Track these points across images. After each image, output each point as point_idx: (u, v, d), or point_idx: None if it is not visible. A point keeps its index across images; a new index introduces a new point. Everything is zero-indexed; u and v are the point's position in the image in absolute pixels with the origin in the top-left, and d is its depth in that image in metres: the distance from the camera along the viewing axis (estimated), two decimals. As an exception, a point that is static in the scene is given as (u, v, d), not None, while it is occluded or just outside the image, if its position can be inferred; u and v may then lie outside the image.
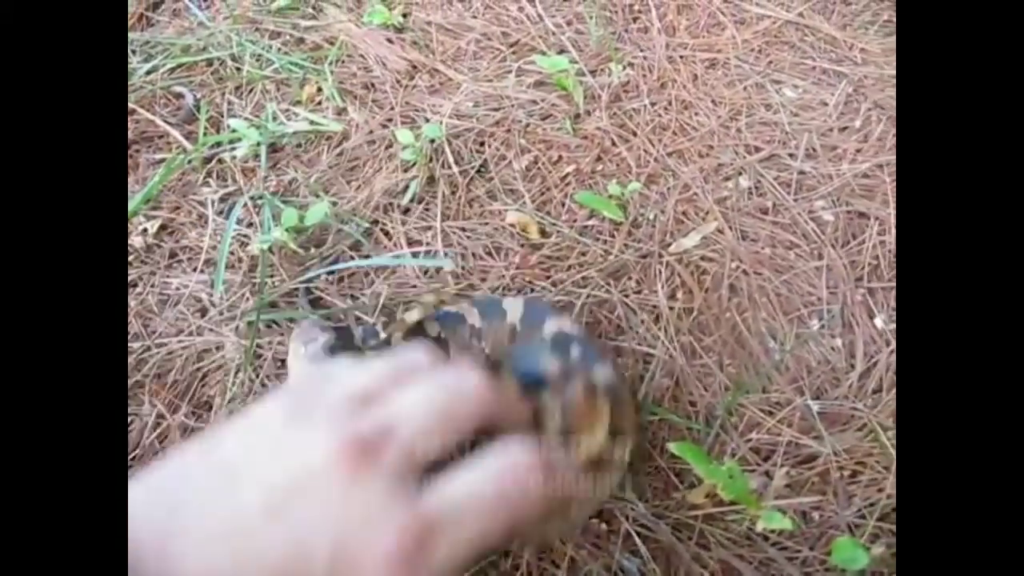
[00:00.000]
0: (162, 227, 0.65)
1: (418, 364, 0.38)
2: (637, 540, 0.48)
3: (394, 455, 0.33)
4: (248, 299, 0.59)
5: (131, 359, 0.57)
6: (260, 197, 0.65)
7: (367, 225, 0.63)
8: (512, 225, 0.62)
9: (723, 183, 0.67)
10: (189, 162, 0.69)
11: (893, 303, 0.58)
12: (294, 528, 0.31)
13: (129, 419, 0.54)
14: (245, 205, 0.64)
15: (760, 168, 0.67)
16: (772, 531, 0.48)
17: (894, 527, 0.48)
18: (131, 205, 0.65)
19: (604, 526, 0.48)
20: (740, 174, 0.67)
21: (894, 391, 0.54)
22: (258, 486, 0.32)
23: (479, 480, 0.34)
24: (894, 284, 0.59)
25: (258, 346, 0.56)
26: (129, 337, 0.58)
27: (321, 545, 0.31)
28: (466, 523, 0.33)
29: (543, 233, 0.62)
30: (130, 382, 0.56)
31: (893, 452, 0.51)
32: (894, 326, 0.57)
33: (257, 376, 0.55)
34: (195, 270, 0.62)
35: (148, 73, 0.77)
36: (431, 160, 0.66)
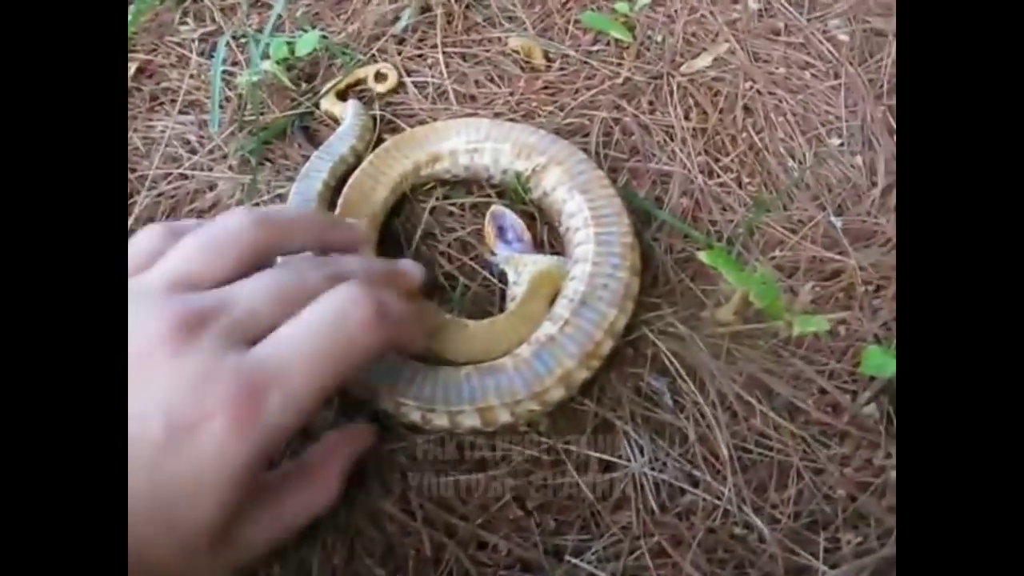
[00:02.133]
0: (139, 70, 0.61)
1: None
2: (666, 360, 0.47)
3: (221, 326, 0.32)
4: (237, 136, 0.56)
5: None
6: (243, 36, 0.61)
7: (361, 57, 0.59)
8: (515, 51, 0.59)
9: (732, 5, 0.63)
10: (162, 2, 0.65)
11: (916, 116, 0.56)
12: (129, 407, 0.30)
13: (124, 263, 0.52)
14: (228, 44, 0.60)
15: (770, -12, 0.64)
16: (799, 345, 0.47)
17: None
18: (104, 49, 0.61)
19: (631, 349, 0.47)
20: (749, -6, 0.64)
21: (919, 204, 0.52)
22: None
23: (306, 325, 0.34)
24: (916, 97, 0.57)
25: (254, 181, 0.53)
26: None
27: (153, 416, 0.30)
28: (297, 369, 0.33)
29: (547, 58, 0.59)
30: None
31: (921, 263, 0.49)
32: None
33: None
34: (179, 112, 0.58)
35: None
36: (424, -13, 0.62)
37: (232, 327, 0.33)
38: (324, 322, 0.34)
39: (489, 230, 0.49)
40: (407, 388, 0.42)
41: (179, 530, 0.31)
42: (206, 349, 0.31)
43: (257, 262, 0.37)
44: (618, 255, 0.46)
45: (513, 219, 0.50)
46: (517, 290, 0.47)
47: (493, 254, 0.49)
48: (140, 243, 0.37)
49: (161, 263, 0.35)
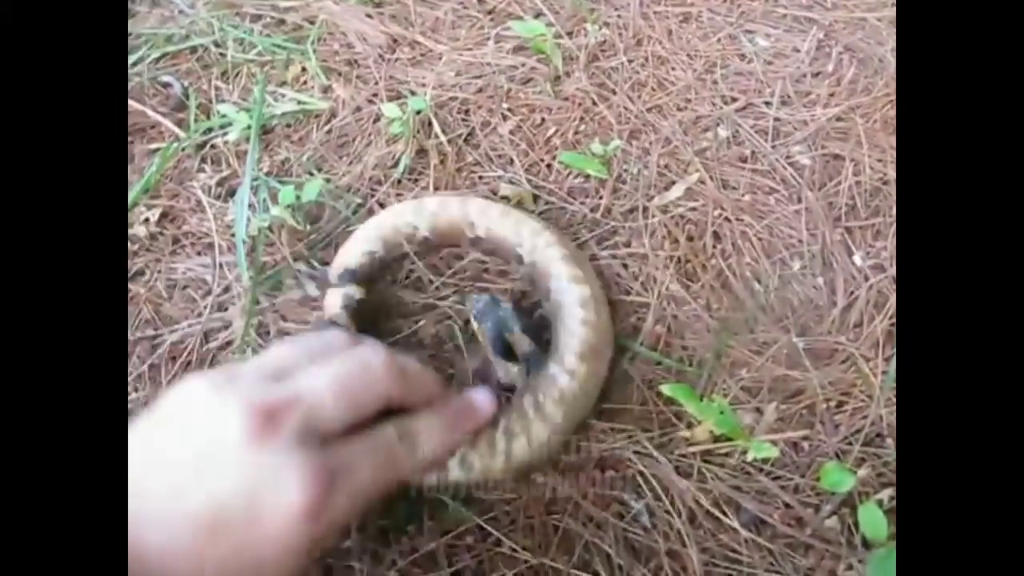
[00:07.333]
0: (163, 215, 0.67)
1: (331, 343, 0.45)
2: (640, 481, 0.51)
3: (297, 421, 0.38)
4: (253, 277, 0.61)
5: (146, 345, 0.59)
6: (255, 179, 0.67)
7: (359, 201, 0.65)
8: (506, 198, 0.64)
9: (702, 135, 0.69)
10: (183, 149, 0.71)
11: (870, 240, 0.61)
12: (214, 490, 0.36)
13: (149, 402, 0.57)
14: (242, 187, 0.66)
15: (737, 118, 0.70)
16: (764, 462, 0.51)
17: (877, 451, 0.51)
18: (130, 196, 0.67)
19: (611, 472, 0.51)
20: (718, 125, 0.69)
21: (874, 323, 0.56)
22: (187, 452, 0.37)
23: (375, 446, 0.42)
24: (870, 223, 0.62)
25: (264, 322, 0.59)
26: (142, 323, 0.60)
27: (237, 503, 0.36)
28: (362, 478, 0.40)
29: (535, 199, 0.65)
30: (145, 366, 0.58)
31: (875, 381, 0.54)
32: (871, 263, 0.60)
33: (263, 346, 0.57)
34: (199, 254, 0.64)
35: (134, 64, 0.78)
36: (418, 131, 0.68)
37: (306, 423, 0.38)
38: (393, 447, 0.42)
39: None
40: None
41: None
42: (283, 445, 0.37)
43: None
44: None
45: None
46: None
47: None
48: (278, 354, 0.43)
49: (292, 383, 0.41)
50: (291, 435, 0.38)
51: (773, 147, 0.67)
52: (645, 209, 0.63)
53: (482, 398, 0.48)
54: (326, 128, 0.72)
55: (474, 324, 0.54)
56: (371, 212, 0.64)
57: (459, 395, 0.48)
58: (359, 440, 0.41)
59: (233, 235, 0.64)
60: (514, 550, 0.48)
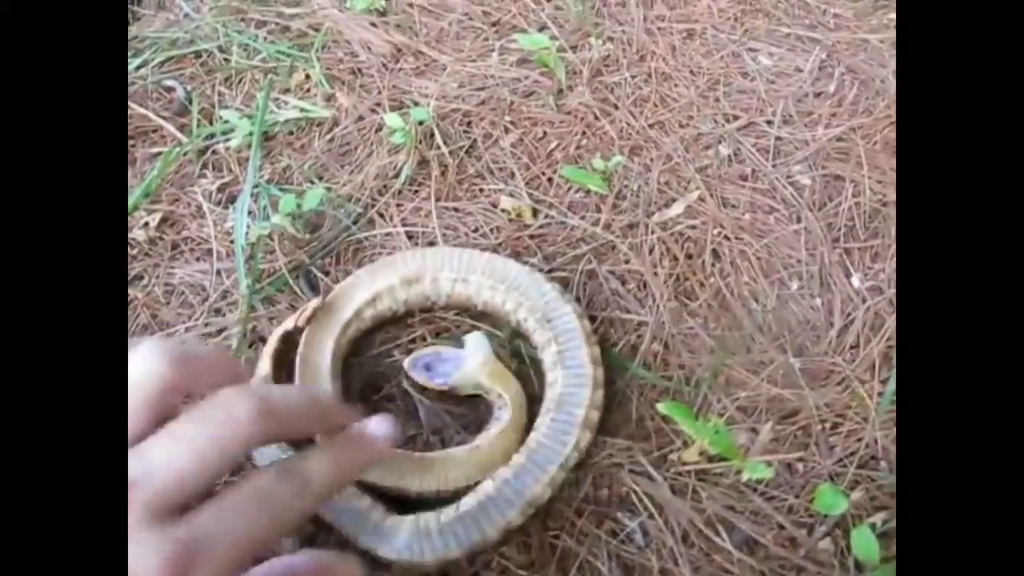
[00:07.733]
0: (163, 220, 0.67)
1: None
2: (635, 499, 0.51)
3: (144, 500, 0.33)
4: (250, 285, 0.61)
5: (142, 348, 0.59)
6: (256, 186, 0.67)
7: (359, 210, 0.65)
8: (505, 211, 0.65)
9: (703, 152, 0.69)
10: (185, 154, 0.71)
11: (868, 262, 0.61)
12: None
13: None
14: (243, 193, 0.66)
15: (739, 136, 0.70)
16: (759, 482, 0.51)
17: (871, 473, 0.51)
18: (131, 200, 0.67)
19: (605, 490, 0.51)
20: (720, 142, 0.69)
21: (871, 345, 0.57)
22: None
23: (240, 492, 0.36)
24: (869, 244, 0.62)
25: (257, 328, 0.59)
26: (139, 328, 0.60)
27: None
28: (223, 545, 0.35)
29: (535, 213, 0.65)
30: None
31: (870, 404, 0.54)
32: (869, 284, 0.60)
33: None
34: (198, 260, 0.64)
35: (138, 68, 0.79)
36: (421, 142, 0.68)
37: (156, 500, 0.34)
38: (271, 490, 0.37)
39: (418, 379, 0.54)
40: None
41: None
42: (132, 528, 0.33)
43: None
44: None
45: (432, 354, 0.55)
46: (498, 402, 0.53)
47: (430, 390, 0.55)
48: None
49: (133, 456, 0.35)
50: (139, 516, 0.33)
51: (774, 166, 0.68)
52: (645, 225, 0.63)
53: (378, 425, 0.42)
54: (328, 136, 0.72)
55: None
56: (371, 222, 0.65)
57: (356, 424, 0.42)
58: (225, 496, 0.36)
59: (232, 242, 0.64)
60: (505, 566, 0.48)
